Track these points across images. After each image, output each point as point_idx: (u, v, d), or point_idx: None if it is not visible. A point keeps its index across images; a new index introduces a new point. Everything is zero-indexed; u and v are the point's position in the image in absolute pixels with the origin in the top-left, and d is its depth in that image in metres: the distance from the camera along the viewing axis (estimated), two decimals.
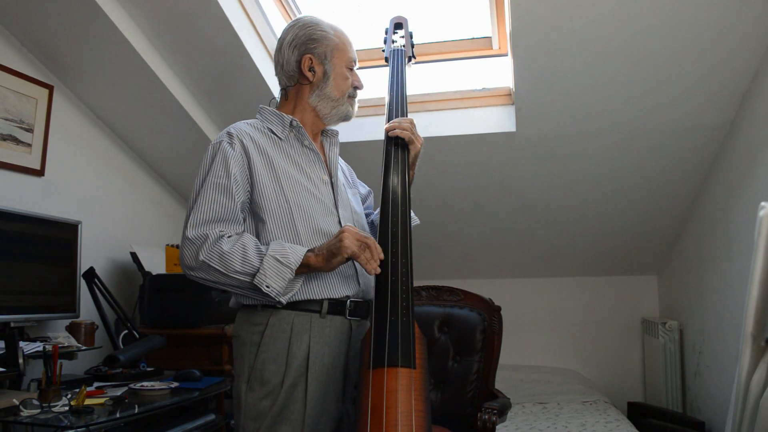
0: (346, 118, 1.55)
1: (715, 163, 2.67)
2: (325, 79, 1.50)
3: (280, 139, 1.47)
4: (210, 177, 1.37)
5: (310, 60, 1.49)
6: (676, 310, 3.25)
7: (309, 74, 1.49)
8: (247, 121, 1.49)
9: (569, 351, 3.59)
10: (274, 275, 1.29)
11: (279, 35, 1.55)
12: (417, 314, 1.33)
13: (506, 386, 2.19)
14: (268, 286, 1.29)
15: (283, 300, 1.32)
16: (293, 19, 1.56)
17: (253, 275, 1.29)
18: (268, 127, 1.48)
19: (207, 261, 1.29)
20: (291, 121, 1.49)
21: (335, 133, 1.59)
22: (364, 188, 1.73)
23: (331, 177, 1.51)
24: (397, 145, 1.52)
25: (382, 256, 1.34)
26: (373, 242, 1.34)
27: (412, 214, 1.62)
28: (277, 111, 1.51)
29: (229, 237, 1.33)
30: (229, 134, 1.42)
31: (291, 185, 1.42)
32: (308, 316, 1.38)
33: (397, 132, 1.50)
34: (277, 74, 1.55)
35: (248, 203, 1.40)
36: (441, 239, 3.39)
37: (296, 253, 1.32)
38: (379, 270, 1.33)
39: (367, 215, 1.70)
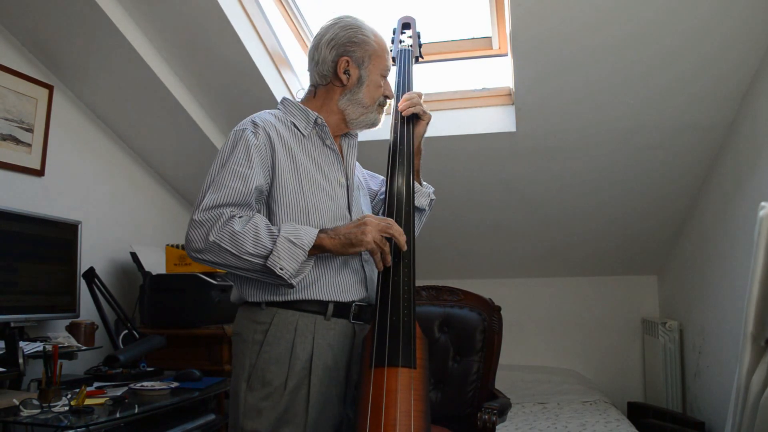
0: (373, 125, 1.53)
1: (715, 162, 2.67)
2: (359, 84, 1.46)
3: (303, 135, 1.44)
4: (230, 163, 1.33)
5: (347, 63, 1.45)
6: (676, 310, 3.25)
7: (343, 77, 1.46)
8: (270, 111, 1.46)
9: (569, 351, 3.59)
10: (287, 257, 1.26)
11: (317, 31, 1.51)
12: (417, 314, 1.33)
13: (506, 386, 2.19)
14: (281, 269, 1.25)
15: (294, 282, 1.29)
16: (335, 17, 1.52)
17: (266, 257, 1.26)
18: (291, 121, 1.45)
19: (218, 241, 1.26)
20: (316, 119, 1.45)
21: (355, 135, 1.56)
22: (375, 184, 1.70)
23: (347, 180, 1.49)
24: (404, 123, 1.54)
25: (404, 237, 1.34)
26: (398, 228, 1.34)
27: (428, 186, 1.65)
28: (302, 105, 1.48)
29: (240, 218, 1.30)
30: (254, 123, 1.38)
31: (311, 184, 1.39)
32: (312, 318, 1.36)
33: (411, 110, 1.53)
34: (309, 70, 1.51)
35: (265, 194, 1.37)
36: (441, 239, 3.39)
37: (309, 234, 1.29)
38: (390, 263, 1.34)
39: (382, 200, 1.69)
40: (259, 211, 1.37)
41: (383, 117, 1.54)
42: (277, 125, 1.41)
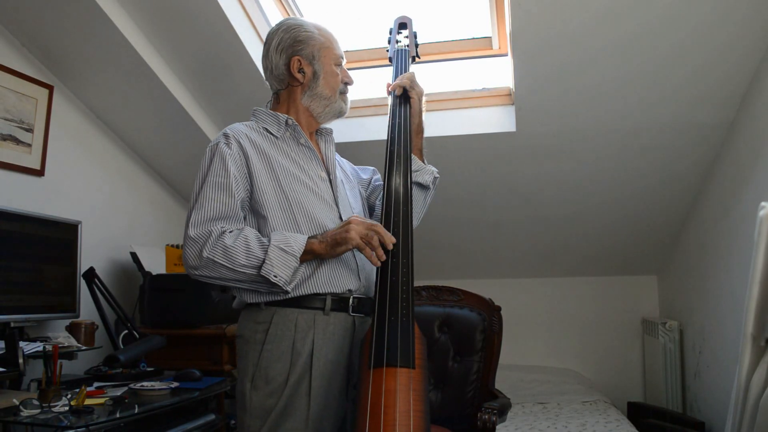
0: (340, 114, 1.57)
1: (715, 162, 2.67)
2: (316, 78, 1.52)
3: (277, 138, 1.49)
4: (210, 177, 1.38)
5: (299, 62, 1.50)
6: (676, 310, 3.25)
7: (299, 75, 1.51)
8: (243, 122, 1.51)
9: (569, 351, 3.58)
10: (280, 264, 1.30)
11: (264, 41, 1.56)
12: (417, 314, 1.33)
13: (506, 386, 2.19)
14: (275, 276, 1.30)
15: (289, 288, 1.33)
16: (276, 24, 1.57)
17: (259, 267, 1.30)
18: (263, 127, 1.50)
19: (211, 257, 1.30)
20: (287, 120, 1.50)
21: (329, 131, 1.61)
22: (365, 173, 1.73)
23: (329, 174, 1.52)
24: (400, 104, 1.57)
25: (393, 240, 1.35)
26: (382, 228, 1.36)
27: (431, 167, 1.67)
28: (271, 111, 1.53)
29: (230, 232, 1.34)
30: (225, 135, 1.43)
31: (289, 182, 1.43)
32: (312, 314, 1.38)
33: (399, 87, 1.58)
34: (267, 79, 1.57)
35: (248, 201, 1.41)
36: (441, 239, 3.38)
37: (298, 241, 1.33)
38: (384, 257, 1.35)
39: (378, 186, 1.70)
40: (245, 218, 1.41)
41: (348, 104, 1.59)
42: (249, 133, 1.46)
